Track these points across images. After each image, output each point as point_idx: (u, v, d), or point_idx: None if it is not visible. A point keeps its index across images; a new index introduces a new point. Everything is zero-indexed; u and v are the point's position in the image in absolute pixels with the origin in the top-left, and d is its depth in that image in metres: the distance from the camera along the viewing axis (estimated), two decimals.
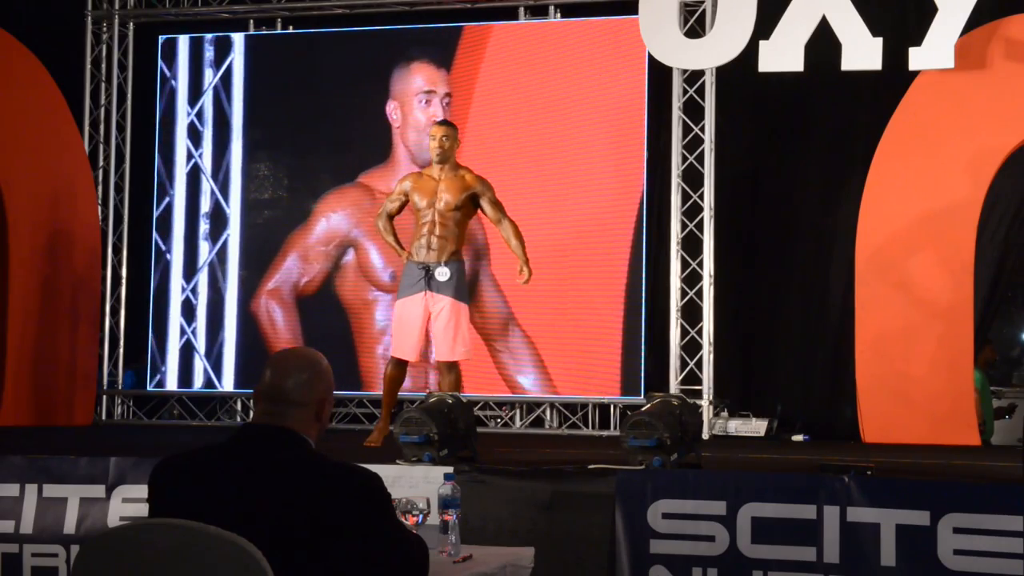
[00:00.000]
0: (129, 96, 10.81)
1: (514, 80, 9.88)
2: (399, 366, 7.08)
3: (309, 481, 2.89)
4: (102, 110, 10.74)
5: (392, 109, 10.11)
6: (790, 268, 9.76)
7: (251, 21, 10.70)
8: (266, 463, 2.92)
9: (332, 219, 10.23)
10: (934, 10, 7.86)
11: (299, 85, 10.39)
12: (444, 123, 7.23)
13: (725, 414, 9.30)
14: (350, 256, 10.16)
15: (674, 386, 9.20)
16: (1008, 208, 8.94)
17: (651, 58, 8.97)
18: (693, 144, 9.40)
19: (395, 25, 10.33)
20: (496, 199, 7.07)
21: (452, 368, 6.96)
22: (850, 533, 4.95)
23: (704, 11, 9.24)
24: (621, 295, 9.52)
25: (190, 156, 10.55)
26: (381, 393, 7.41)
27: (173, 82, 10.59)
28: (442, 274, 6.86)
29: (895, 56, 8.02)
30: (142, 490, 5.07)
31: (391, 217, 7.21)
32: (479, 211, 7.15)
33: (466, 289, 7.12)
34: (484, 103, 9.92)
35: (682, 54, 8.38)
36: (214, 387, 10.40)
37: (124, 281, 10.70)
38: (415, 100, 10.07)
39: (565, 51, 9.80)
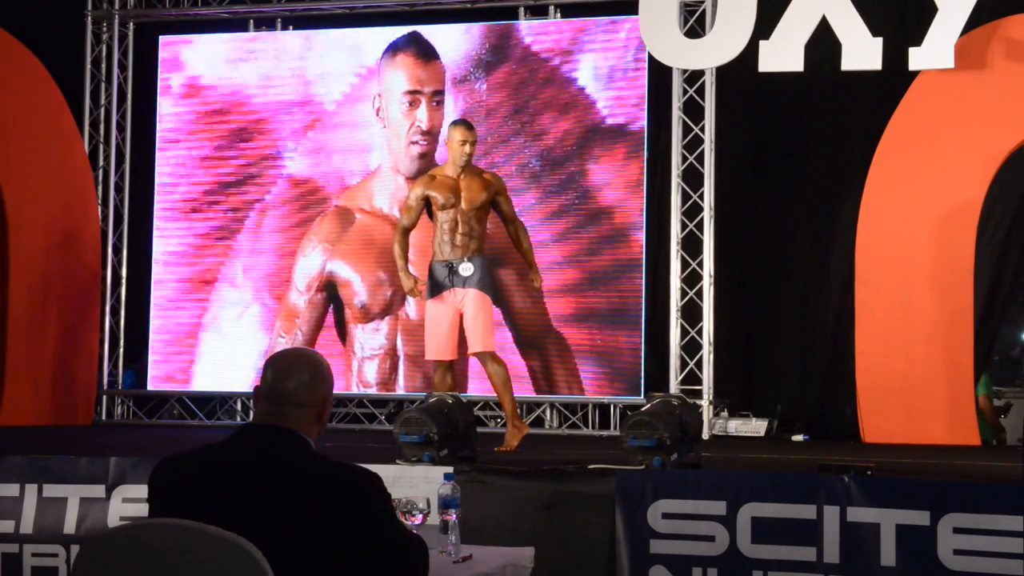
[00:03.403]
0: (129, 96, 10.81)
1: (514, 80, 9.88)
2: (443, 367, 6.93)
3: (309, 481, 2.89)
4: (102, 110, 10.73)
5: (377, 107, 10.10)
6: (790, 268, 9.75)
7: (251, 21, 10.69)
8: (266, 463, 2.92)
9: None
10: (934, 10, 7.86)
11: (303, 85, 10.38)
12: (471, 126, 7.01)
13: (725, 414, 9.30)
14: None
15: (674, 386, 9.20)
16: (1008, 208, 8.92)
17: (651, 58, 8.97)
18: (693, 144, 9.40)
19: (395, 24, 10.31)
20: (508, 197, 7.11)
21: (493, 358, 6.88)
22: (850, 533, 4.95)
23: (704, 11, 9.24)
24: (627, 294, 9.49)
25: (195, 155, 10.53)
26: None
27: (177, 81, 10.57)
28: (466, 269, 6.82)
29: (895, 56, 8.02)
30: (142, 490, 5.06)
31: (408, 232, 6.97)
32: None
33: (491, 283, 7.02)
34: (483, 103, 9.91)
35: (682, 54, 8.38)
36: (219, 387, 10.37)
37: (124, 281, 10.69)
38: (400, 99, 10.05)
39: (565, 51, 9.79)
